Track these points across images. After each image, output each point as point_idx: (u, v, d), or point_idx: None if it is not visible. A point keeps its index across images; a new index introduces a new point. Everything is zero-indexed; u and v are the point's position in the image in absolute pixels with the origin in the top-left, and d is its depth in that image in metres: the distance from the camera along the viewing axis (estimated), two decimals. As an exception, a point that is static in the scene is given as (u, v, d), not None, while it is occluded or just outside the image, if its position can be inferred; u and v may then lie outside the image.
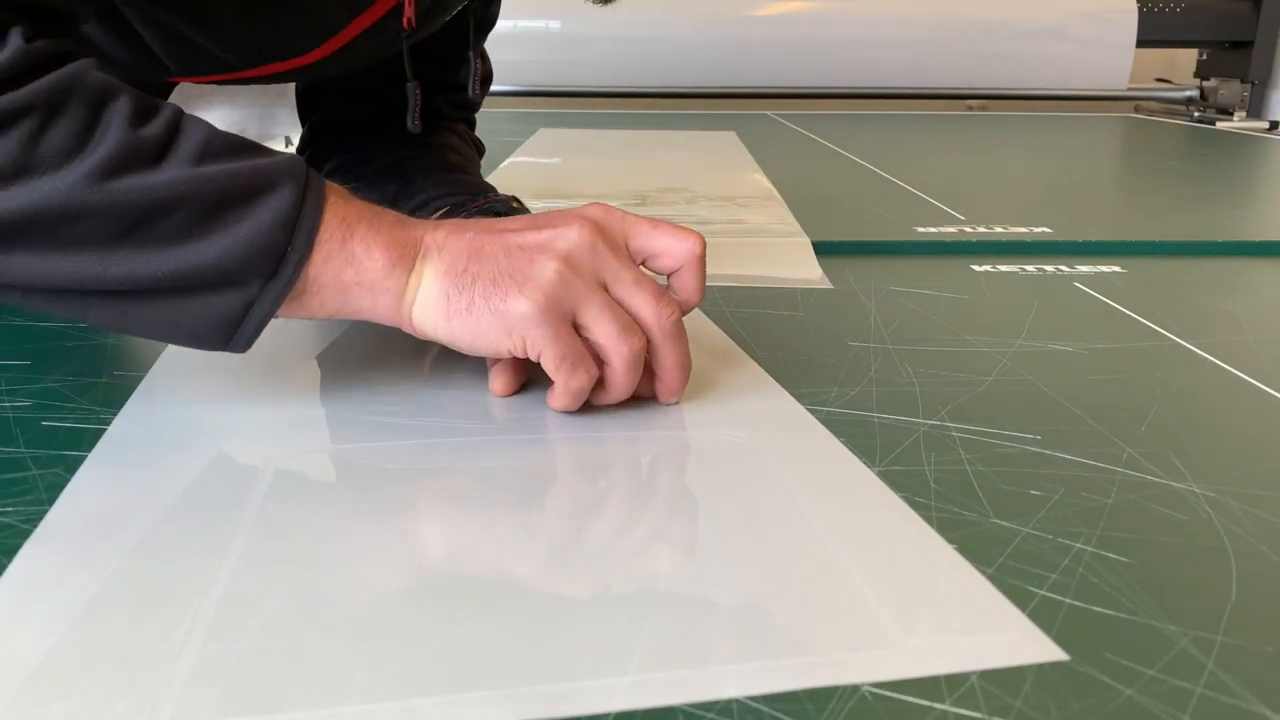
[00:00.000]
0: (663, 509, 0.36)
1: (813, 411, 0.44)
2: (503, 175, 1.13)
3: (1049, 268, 0.72)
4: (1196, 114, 2.10)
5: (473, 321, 0.40)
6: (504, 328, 0.39)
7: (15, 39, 0.35)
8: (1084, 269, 0.71)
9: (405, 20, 0.56)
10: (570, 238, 0.41)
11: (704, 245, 0.43)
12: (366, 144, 0.69)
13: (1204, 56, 2.24)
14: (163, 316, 0.38)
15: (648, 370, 0.44)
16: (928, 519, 0.35)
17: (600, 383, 0.42)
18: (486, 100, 0.77)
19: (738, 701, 0.25)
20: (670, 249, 0.43)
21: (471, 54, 0.67)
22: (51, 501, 0.35)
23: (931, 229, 0.83)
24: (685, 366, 0.43)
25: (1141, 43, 2.14)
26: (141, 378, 0.47)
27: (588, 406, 0.44)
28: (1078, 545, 0.33)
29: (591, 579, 0.31)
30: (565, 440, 0.41)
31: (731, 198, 0.97)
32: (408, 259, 0.40)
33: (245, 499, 0.35)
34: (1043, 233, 0.82)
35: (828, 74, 2.12)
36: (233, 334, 0.39)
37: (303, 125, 0.74)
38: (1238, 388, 0.48)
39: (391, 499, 0.36)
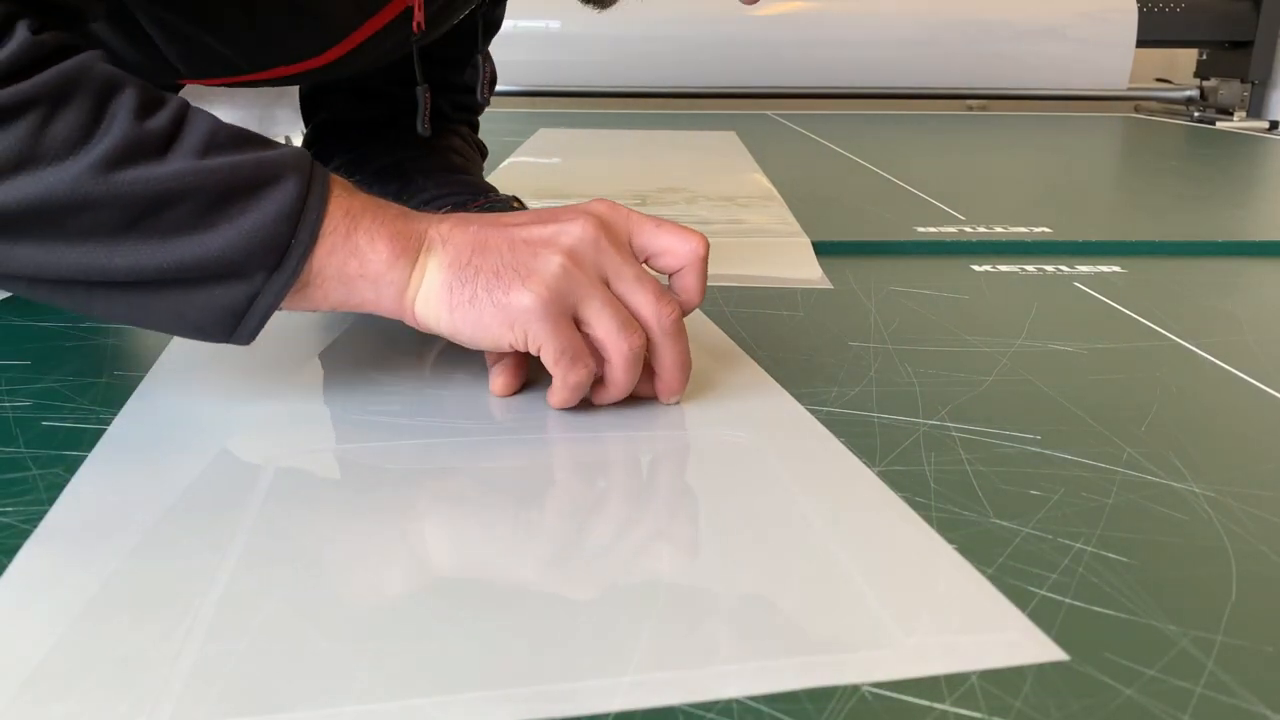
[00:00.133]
0: (663, 509, 0.36)
1: (813, 411, 0.44)
2: (503, 175, 1.13)
3: (1049, 268, 0.72)
4: (1196, 114, 2.10)
5: (475, 314, 0.40)
6: (506, 320, 0.39)
7: (22, 31, 0.35)
8: (1084, 269, 0.71)
9: (415, 24, 0.56)
10: (574, 232, 0.41)
11: (707, 247, 0.43)
12: (369, 144, 0.69)
13: (1204, 56, 2.24)
14: (167, 308, 0.38)
15: (648, 369, 0.44)
16: (928, 519, 0.35)
17: (599, 380, 0.42)
18: (486, 100, 0.77)
19: (738, 701, 0.25)
20: (673, 249, 0.43)
21: (480, 56, 0.67)
22: (51, 501, 0.35)
23: (931, 229, 0.83)
24: (685, 366, 0.43)
25: (1141, 43, 2.14)
26: (141, 378, 0.47)
27: (587, 406, 0.44)
28: (1078, 545, 0.33)
29: (591, 579, 0.31)
30: (565, 440, 0.41)
31: (731, 198, 0.97)
32: (411, 251, 0.40)
33: (245, 499, 0.35)
34: (1043, 233, 0.82)
35: (828, 74, 2.12)
36: (236, 325, 0.39)
37: (306, 125, 0.74)
38: (1238, 388, 0.48)
39: (391, 499, 0.36)
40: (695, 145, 1.46)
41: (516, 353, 0.45)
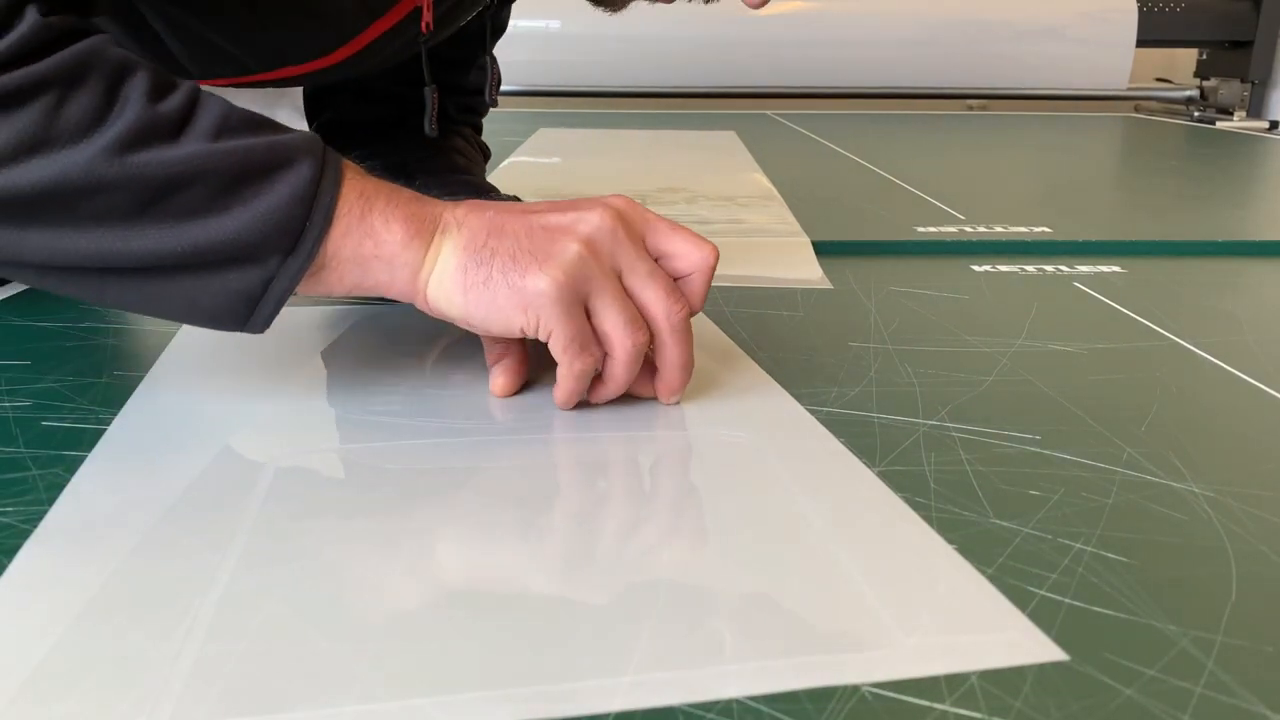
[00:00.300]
0: (663, 509, 0.36)
1: (813, 411, 0.44)
2: (503, 175, 1.13)
3: (1049, 268, 0.72)
4: (1196, 114, 2.10)
5: (489, 296, 0.40)
6: (520, 303, 0.39)
7: (32, 14, 0.35)
8: (1084, 269, 0.71)
9: (424, 24, 0.56)
10: (593, 221, 0.41)
11: (717, 258, 0.43)
12: (373, 144, 0.69)
13: (1204, 56, 2.24)
14: (181, 295, 0.38)
15: (649, 369, 0.44)
16: (928, 519, 0.35)
17: (596, 376, 0.42)
18: (487, 100, 0.77)
19: (738, 701, 0.25)
20: (685, 253, 0.43)
21: (488, 58, 0.67)
22: (51, 501, 0.35)
23: (931, 229, 0.83)
24: (688, 365, 0.43)
25: (1141, 42, 2.14)
26: (141, 378, 0.47)
27: (588, 406, 0.44)
28: (1078, 545, 0.33)
29: (592, 579, 0.31)
30: (565, 440, 0.41)
31: (731, 197, 0.97)
32: (426, 233, 0.40)
33: (245, 499, 0.35)
34: (1043, 233, 0.82)
35: (828, 74, 2.12)
36: (251, 312, 0.39)
37: (310, 126, 0.74)
38: (1238, 388, 0.48)
39: (392, 499, 0.36)
40: (695, 145, 1.46)
41: (517, 353, 0.45)
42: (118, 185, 0.35)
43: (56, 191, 0.35)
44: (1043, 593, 0.30)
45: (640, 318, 0.41)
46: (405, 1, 0.56)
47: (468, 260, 0.40)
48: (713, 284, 0.44)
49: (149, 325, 0.55)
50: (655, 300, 0.41)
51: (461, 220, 0.41)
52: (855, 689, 0.26)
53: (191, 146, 0.36)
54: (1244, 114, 2.08)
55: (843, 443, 0.41)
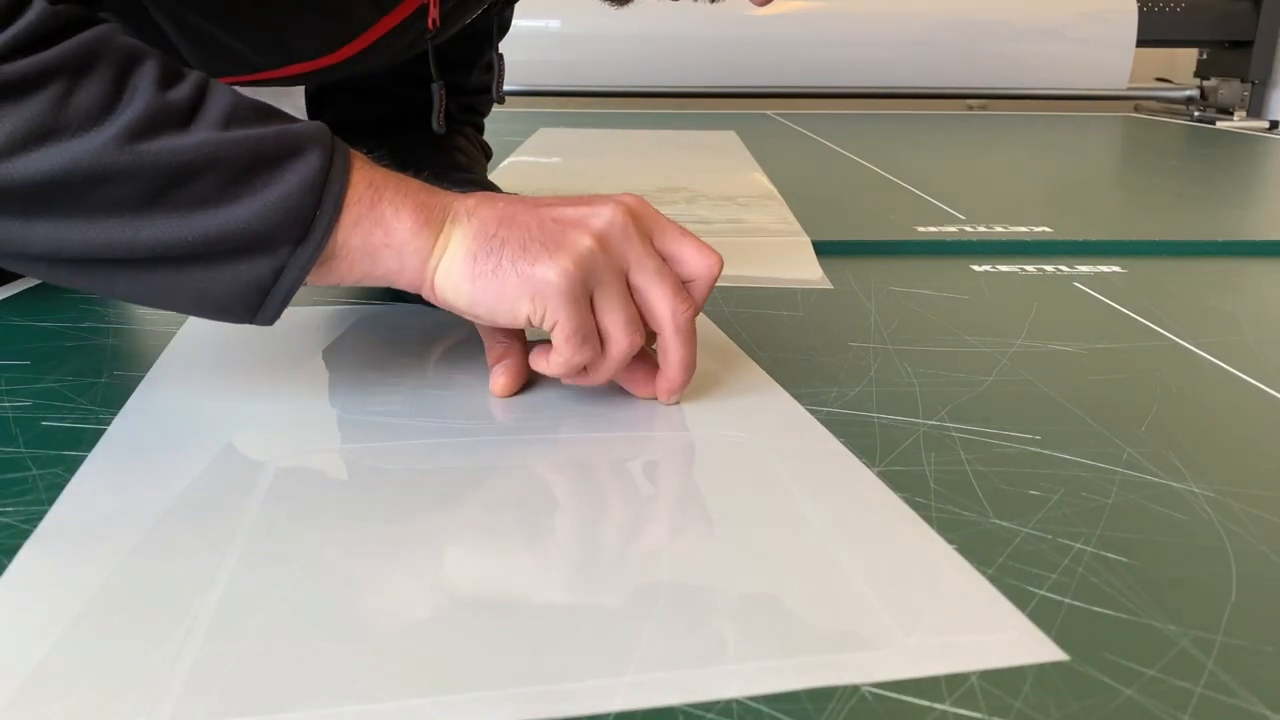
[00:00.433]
0: (663, 509, 0.36)
1: (813, 411, 0.44)
2: (503, 175, 1.13)
3: (1049, 268, 0.72)
4: (1196, 114, 2.10)
5: (497, 284, 0.39)
6: (529, 291, 0.39)
7: (40, 2, 0.35)
8: (1084, 269, 0.71)
9: (430, 21, 0.56)
10: (605, 216, 0.41)
11: (721, 268, 0.43)
12: (376, 143, 0.69)
13: (1204, 56, 2.24)
14: (190, 286, 0.38)
15: (650, 369, 0.44)
16: (928, 519, 0.35)
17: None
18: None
19: (738, 701, 0.25)
20: (690, 260, 0.43)
21: (496, 55, 0.67)
22: (51, 501, 0.35)
23: (931, 229, 0.83)
24: (691, 365, 0.43)
25: (1141, 42, 2.13)
26: (141, 378, 0.47)
27: (588, 407, 0.44)
28: (1078, 545, 0.33)
29: (592, 579, 0.31)
30: (565, 440, 0.41)
31: (731, 197, 0.97)
32: (436, 222, 0.40)
33: (245, 499, 0.35)
34: (1043, 232, 0.82)
35: (828, 74, 2.12)
36: (262, 302, 0.39)
37: None
38: (1238, 388, 0.48)
39: (392, 499, 0.36)
40: (695, 145, 1.46)
41: (518, 353, 0.45)
42: (128, 174, 0.35)
43: (66, 181, 0.34)
44: (1043, 593, 0.30)
45: (640, 320, 0.41)
46: None
47: (477, 249, 0.40)
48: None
49: (149, 325, 0.55)
50: (662, 298, 0.41)
51: (472, 210, 0.41)
52: (855, 689, 0.26)
53: (201, 135, 0.36)
54: (1244, 114, 2.08)
55: (843, 443, 0.41)
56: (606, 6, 0.60)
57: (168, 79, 0.37)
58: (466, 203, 0.41)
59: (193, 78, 0.38)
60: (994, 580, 0.31)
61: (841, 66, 2.11)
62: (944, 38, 2.12)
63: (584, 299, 0.40)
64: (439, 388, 0.46)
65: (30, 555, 0.31)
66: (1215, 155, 1.46)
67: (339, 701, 0.25)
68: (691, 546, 0.33)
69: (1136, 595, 0.30)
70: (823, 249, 0.75)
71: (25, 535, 0.33)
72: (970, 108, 2.33)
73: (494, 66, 0.67)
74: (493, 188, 0.67)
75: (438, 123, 0.61)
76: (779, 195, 0.99)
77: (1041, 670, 0.27)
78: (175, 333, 0.53)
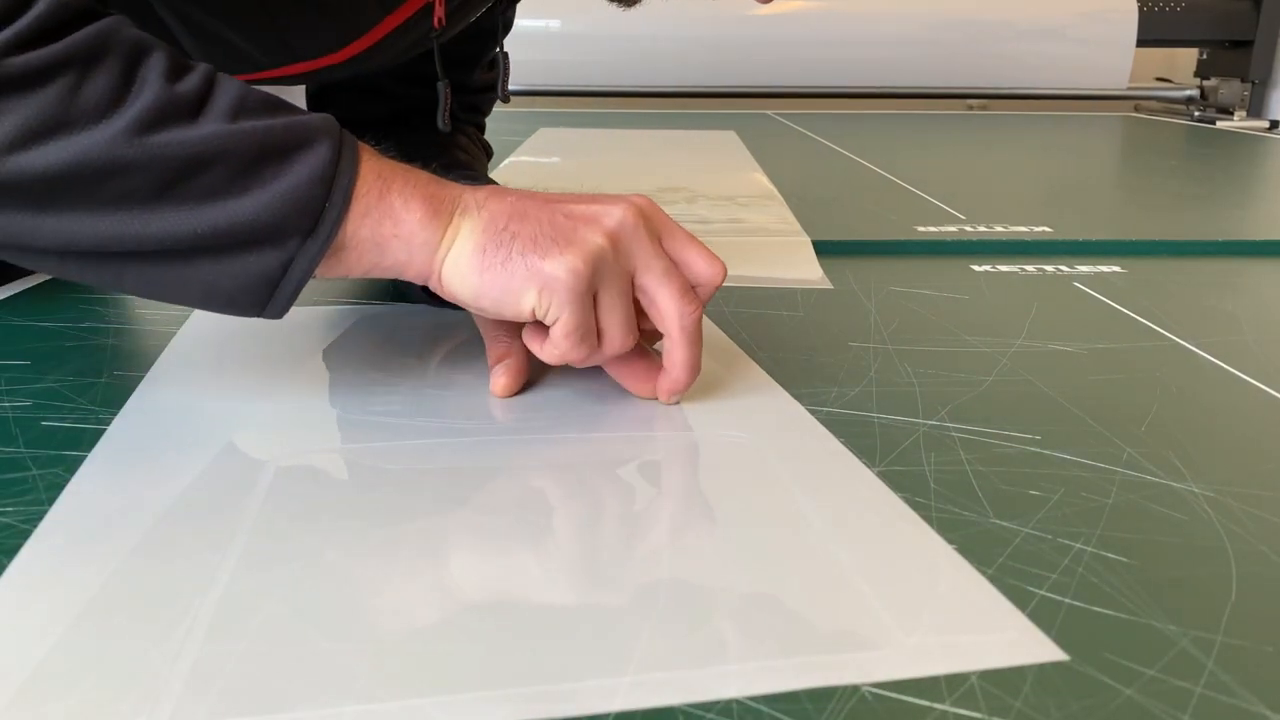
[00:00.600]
0: (663, 509, 0.36)
1: (813, 411, 0.44)
2: (503, 175, 1.13)
3: (1049, 268, 0.72)
4: (1197, 113, 2.10)
5: (505, 276, 0.40)
6: (537, 285, 0.39)
7: None
8: (1084, 269, 0.71)
9: (436, 19, 0.56)
10: (616, 215, 0.41)
11: (725, 276, 0.43)
12: (378, 142, 0.69)
13: (1204, 56, 2.24)
14: (200, 279, 0.38)
15: (651, 370, 0.44)
16: (928, 519, 0.35)
17: None
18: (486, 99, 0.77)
19: (738, 701, 0.25)
20: (696, 264, 0.43)
21: (502, 54, 0.67)
22: (51, 501, 0.35)
23: (931, 229, 0.83)
24: (696, 367, 0.43)
25: (1141, 42, 2.13)
26: (141, 378, 0.47)
27: (588, 407, 0.44)
28: (1078, 545, 0.33)
29: (591, 579, 0.31)
30: (565, 441, 0.41)
31: (731, 197, 0.97)
32: (445, 213, 0.40)
33: (245, 499, 0.35)
34: (1043, 232, 0.82)
35: (828, 74, 2.12)
36: (271, 294, 0.39)
37: None
38: (1238, 388, 0.48)
39: (392, 499, 0.36)
40: (695, 145, 1.46)
41: (519, 353, 0.45)
42: (137, 166, 0.35)
43: (76, 174, 0.34)
44: (1043, 593, 0.30)
45: (635, 324, 0.42)
46: None
47: (487, 242, 0.40)
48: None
49: (149, 325, 0.55)
50: (669, 299, 0.41)
51: (482, 203, 0.41)
52: (855, 689, 0.26)
53: (210, 127, 0.36)
54: (1244, 114, 2.08)
55: (843, 443, 0.41)
56: (606, 6, 0.60)
57: (176, 71, 0.37)
58: (476, 195, 0.41)
59: (201, 69, 0.38)
60: (994, 580, 0.31)
61: (841, 66, 2.11)
62: (944, 38, 2.12)
63: (589, 297, 0.40)
64: (439, 388, 0.46)
65: (30, 555, 0.31)
66: (1215, 155, 1.46)
67: (339, 701, 0.25)
68: (691, 546, 0.33)
69: (1136, 595, 0.30)
70: (823, 249, 0.75)
71: (25, 535, 0.33)
72: (970, 108, 2.33)
73: (497, 65, 0.67)
74: (494, 184, 0.67)
75: (443, 121, 0.61)
76: (779, 195, 0.99)
77: (1041, 670, 0.27)
78: (175, 332, 0.53)
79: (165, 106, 0.35)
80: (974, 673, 0.26)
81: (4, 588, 0.30)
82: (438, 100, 0.60)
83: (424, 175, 0.41)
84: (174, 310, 0.56)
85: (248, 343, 0.51)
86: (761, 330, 0.56)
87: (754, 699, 0.25)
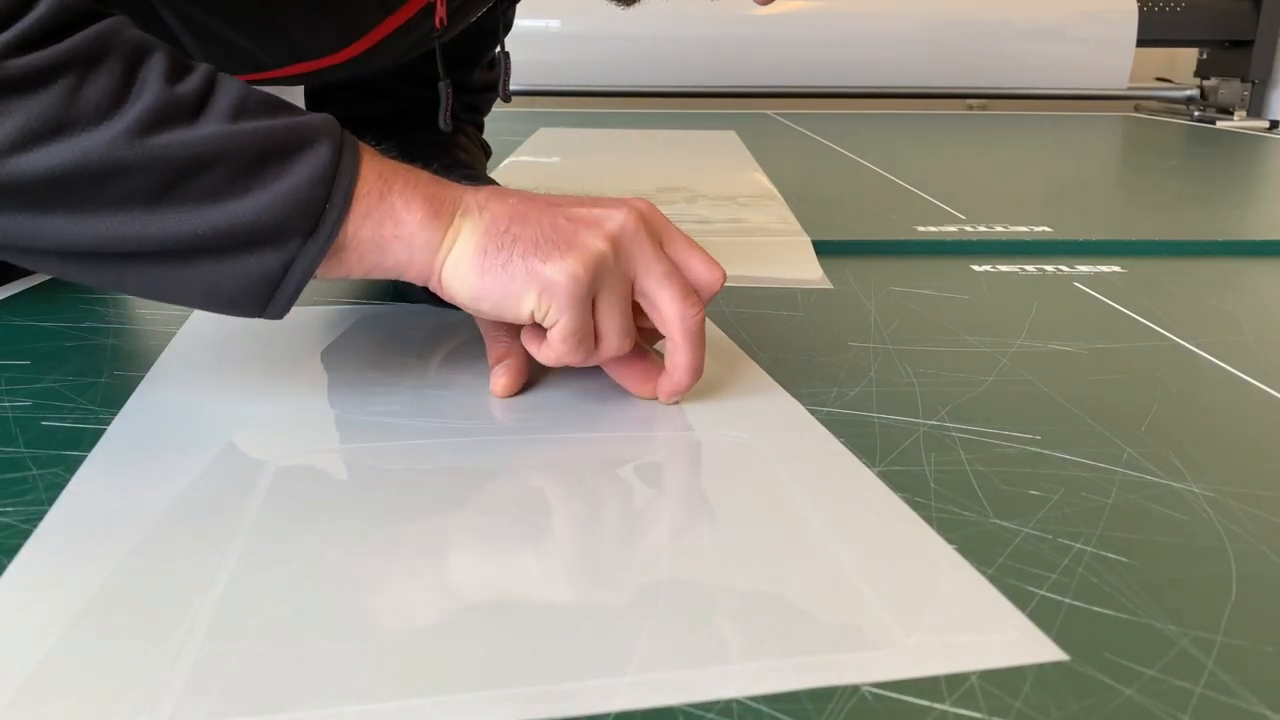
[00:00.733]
0: (663, 509, 0.36)
1: (813, 411, 0.44)
2: (503, 175, 1.13)
3: (1049, 268, 0.72)
4: (1197, 113, 2.10)
5: (505, 279, 0.40)
6: (537, 288, 0.39)
7: None
8: (1084, 269, 0.71)
9: (438, 19, 0.56)
10: (618, 219, 0.41)
11: (723, 283, 0.43)
12: (377, 141, 0.69)
13: (1204, 56, 2.24)
14: (200, 280, 0.38)
15: (651, 370, 0.44)
16: (928, 519, 0.35)
17: None
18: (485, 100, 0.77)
19: (738, 701, 0.25)
20: (696, 269, 0.43)
21: (503, 54, 0.67)
22: (51, 501, 0.35)
23: (932, 228, 0.83)
24: (698, 370, 0.43)
25: (1141, 42, 2.13)
26: (141, 378, 0.47)
27: (588, 408, 0.44)
28: (1078, 545, 0.33)
29: (591, 579, 0.31)
30: (565, 441, 0.41)
31: (731, 197, 0.97)
32: (446, 214, 0.40)
33: (245, 499, 0.35)
34: (1043, 232, 0.82)
35: (828, 74, 2.12)
36: (271, 296, 0.39)
37: None
38: (1238, 388, 0.48)
39: (392, 499, 0.36)
40: (695, 145, 1.46)
41: (519, 353, 0.45)
42: (138, 167, 0.35)
43: (77, 175, 0.34)
44: (1043, 593, 0.30)
45: (633, 328, 0.42)
46: None
47: (488, 244, 0.40)
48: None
49: (149, 325, 0.55)
50: (671, 301, 0.41)
51: (483, 204, 0.41)
52: (855, 689, 0.26)
53: (211, 128, 0.36)
54: (1244, 114, 2.08)
55: (843, 443, 0.41)
56: (606, 6, 0.60)
57: (176, 72, 0.37)
58: (477, 196, 0.41)
59: (201, 70, 0.38)
60: (994, 580, 0.31)
61: (841, 66, 2.11)
62: (944, 38, 2.12)
63: (588, 301, 0.40)
64: (439, 388, 0.46)
65: (30, 555, 0.31)
66: (1215, 155, 1.46)
67: (339, 701, 0.25)
68: (692, 546, 0.33)
69: (1136, 595, 0.30)
70: (823, 249, 0.75)
71: (25, 535, 0.33)
72: (970, 108, 2.33)
73: (497, 64, 0.67)
74: (493, 183, 0.67)
75: (444, 121, 0.61)
76: (779, 195, 0.99)
77: (1041, 670, 0.27)
78: (175, 332, 0.53)
79: (165, 107, 0.35)
80: (974, 673, 0.26)
81: (4, 588, 0.30)
82: (438, 100, 0.60)
83: (425, 175, 0.41)
84: (174, 310, 0.56)
85: (248, 343, 0.51)
86: (761, 330, 0.56)
87: (754, 699, 0.25)
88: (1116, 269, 0.72)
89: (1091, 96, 2.19)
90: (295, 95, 0.78)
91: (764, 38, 2.09)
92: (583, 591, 0.30)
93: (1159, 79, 2.36)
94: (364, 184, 0.39)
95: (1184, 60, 2.35)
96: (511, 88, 0.67)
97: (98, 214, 0.35)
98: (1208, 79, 2.19)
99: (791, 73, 2.11)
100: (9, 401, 0.44)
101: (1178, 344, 0.55)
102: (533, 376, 0.46)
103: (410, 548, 0.33)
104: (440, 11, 0.56)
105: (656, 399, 0.45)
